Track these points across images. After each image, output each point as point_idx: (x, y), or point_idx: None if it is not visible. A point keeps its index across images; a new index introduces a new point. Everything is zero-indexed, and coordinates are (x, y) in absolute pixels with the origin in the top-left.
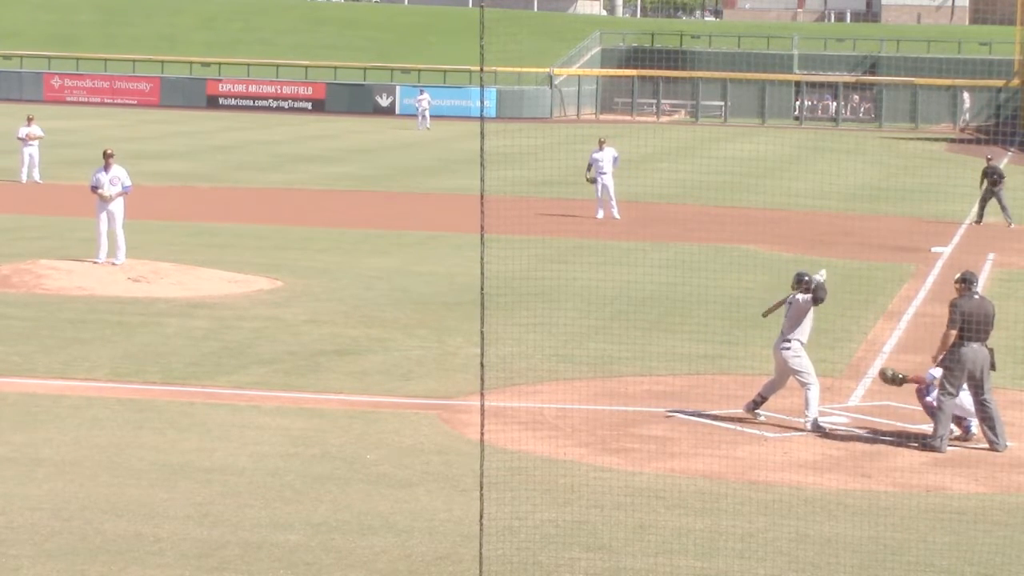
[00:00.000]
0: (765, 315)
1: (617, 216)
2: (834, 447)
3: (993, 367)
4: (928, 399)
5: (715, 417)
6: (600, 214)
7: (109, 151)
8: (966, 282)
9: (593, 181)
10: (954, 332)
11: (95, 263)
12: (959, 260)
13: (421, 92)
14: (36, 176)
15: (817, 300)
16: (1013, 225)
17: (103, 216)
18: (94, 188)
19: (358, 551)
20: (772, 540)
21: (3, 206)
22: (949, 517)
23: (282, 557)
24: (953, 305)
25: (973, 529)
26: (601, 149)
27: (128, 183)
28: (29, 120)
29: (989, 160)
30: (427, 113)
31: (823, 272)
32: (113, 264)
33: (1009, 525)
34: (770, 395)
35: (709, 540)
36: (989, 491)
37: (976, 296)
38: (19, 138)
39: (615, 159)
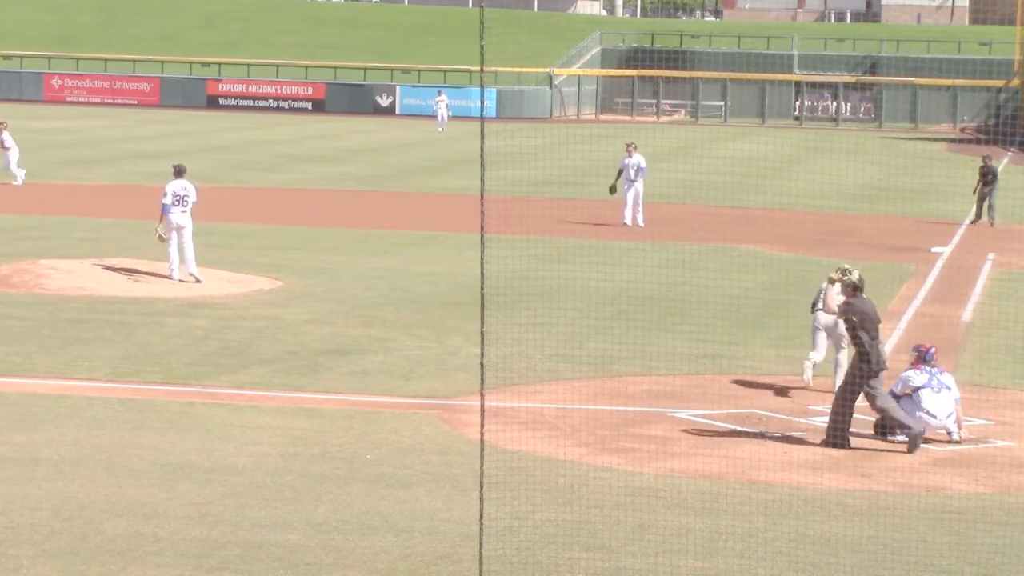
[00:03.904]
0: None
1: (641, 223)
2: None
3: (885, 366)
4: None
5: (715, 417)
6: (628, 218)
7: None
8: (855, 287)
9: (614, 191)
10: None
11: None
12: (959, 260)
13: (439, 93)
14: (12, 178)
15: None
16: (995, 224)
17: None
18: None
19: (358, 551)
20: (772, 540)
21: (3, 206)
22: (949, 517)
23: (282, 557)
24: (848, 304)
25: (973, 529)
26: (630, 155)
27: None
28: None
29: (986, 159)
30: (444, 115)
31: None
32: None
33: (1009, 525)
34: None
35: (709, 540)
36: (989, 491)
37: (864, 298)
38: None
39: (642, 169)
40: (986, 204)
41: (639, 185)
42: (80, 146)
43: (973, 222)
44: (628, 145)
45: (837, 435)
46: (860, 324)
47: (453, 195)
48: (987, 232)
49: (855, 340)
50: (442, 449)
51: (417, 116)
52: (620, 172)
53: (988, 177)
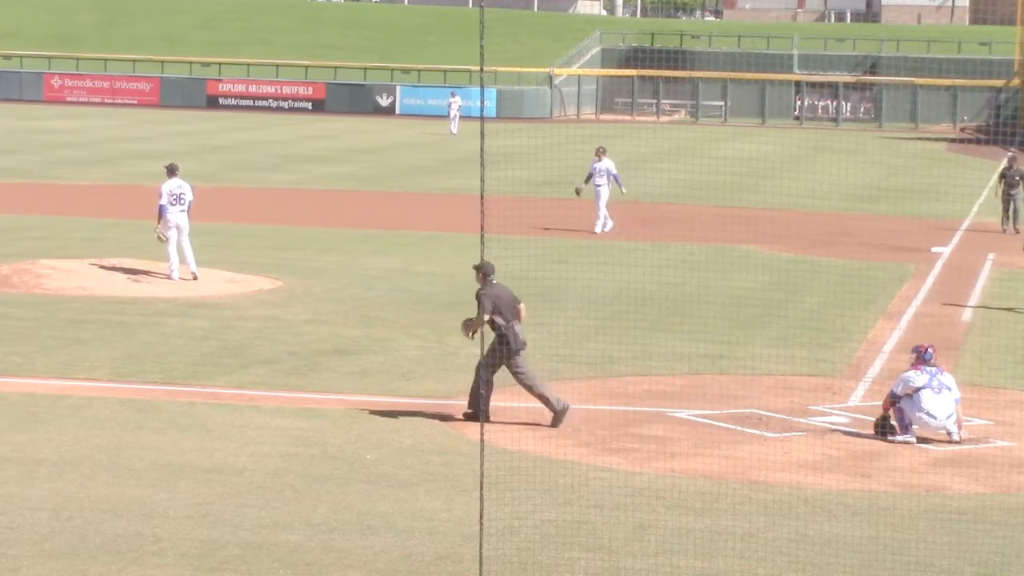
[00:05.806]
0: None
1: (606, 229)
2: (834, 447)
3: (524, 344)
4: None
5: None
6: (599, 227)
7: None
8: (484, 273)
9: (579, 193)
10: (487, 316)
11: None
12: (959, 260)
13: (452, 94)
14: None
15: None
16: (1020, 231)
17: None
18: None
19: (358, 551)
20: (772, 540)
21: (3, 206)
22: (949, 517)
23: (282, 557)
24: (482, 295)
25: (973, 529)
26: (599, 159)
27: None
28: None
29: (1011, 161)
30: (457, 117)
31: None
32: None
33: (1009, 525)
34: None
35: (709, 540)
36: (989, 491)
37: (496, 283)
38: None
39: (613, 175)
40: (1011, 209)
41: (604, 191)
42: (80, 146)
43: (1004, 231)
44: (598, 149)
45: (474, 404)
46: (495, 308)
47: (453, 195)
48: (987, 232)
49: (492, 324)
50: (442, 449)
51: (417, 116)
52: (589, 176)
53: (1013, 180)
